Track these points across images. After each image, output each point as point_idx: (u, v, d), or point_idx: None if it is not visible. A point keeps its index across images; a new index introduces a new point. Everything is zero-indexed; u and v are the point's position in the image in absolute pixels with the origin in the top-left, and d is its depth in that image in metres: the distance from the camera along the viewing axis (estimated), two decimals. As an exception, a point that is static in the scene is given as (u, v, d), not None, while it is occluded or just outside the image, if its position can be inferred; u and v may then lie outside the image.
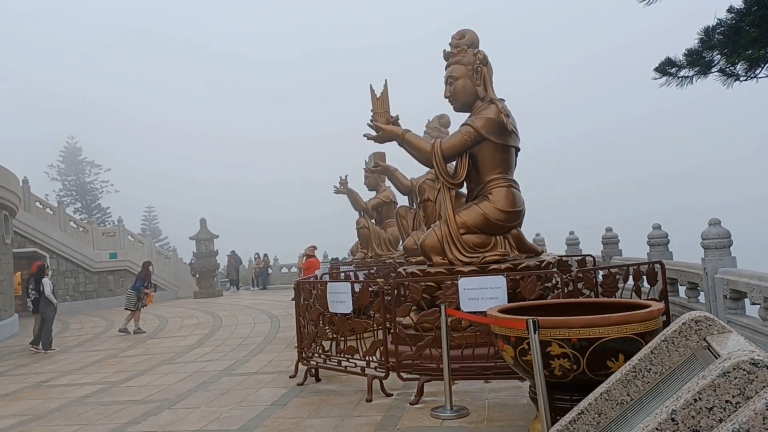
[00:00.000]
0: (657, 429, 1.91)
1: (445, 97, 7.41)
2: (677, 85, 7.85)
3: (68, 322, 17.29)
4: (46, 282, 12.09)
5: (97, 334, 14.34)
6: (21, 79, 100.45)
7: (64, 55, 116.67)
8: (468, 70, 7.16)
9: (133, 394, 7.29)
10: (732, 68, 7.33)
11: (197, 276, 26.48)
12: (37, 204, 23.61)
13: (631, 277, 6.68)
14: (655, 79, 7.88)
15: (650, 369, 2.65)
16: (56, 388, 8.15)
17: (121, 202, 52.84)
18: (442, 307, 5.49)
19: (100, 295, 23.49)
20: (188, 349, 10.72)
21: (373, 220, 14.38)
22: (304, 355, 7.22)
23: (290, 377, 7.31)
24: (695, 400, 1.93)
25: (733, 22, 7.37)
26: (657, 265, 6.60)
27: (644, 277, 6.94)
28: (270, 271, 30.17)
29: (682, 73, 7.88)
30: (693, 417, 1.94)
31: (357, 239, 14.75)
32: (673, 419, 1.94)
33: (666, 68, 7.87)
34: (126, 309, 14.21)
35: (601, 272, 6.99)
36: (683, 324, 2.64)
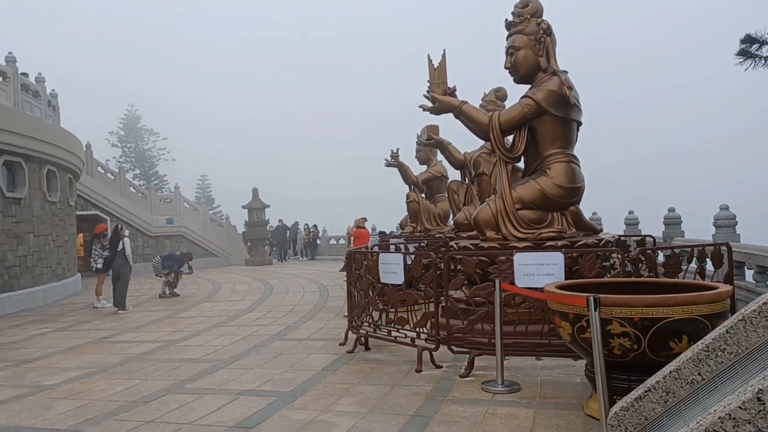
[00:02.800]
0: (741, 407, 1.82)
1: (506, 68, 7.20)
2: (764, 65, 7.07)
3: (127, 284, 18.00)
4: (127, 242, 12.60)
5: (154, 295, 14.89)
6: (82, 65, 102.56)
7: (122, 41, 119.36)
8: (530, 40, 6.91)
9: (189, 353, 7.54)
10: None
11: (249, 244, 27.07)
12: (99, 169, 24.51)
13: (695, 259, 6.44)
14: (738, 64, 7.12)
15: (725, 349, 2.54)
16: (117, 344, 8.51)
17: (176, 170, 54.32)
18: (497, 281, 5.42)
19: (157, 259, 24.31)
20: (241, 314, 11.01)
21: (423, 194, 14.29)
22: (354, 323, 7.29)
23: (340, 345, 7.41)
24: (782, 381, 1.83)
25: None
26: (723, 247, 6.32)
27: (708, 259, 6.67)
28: (318, 242, 30.59)
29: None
30: (780, 398, 1.84)
31: (406, 213, 14.71)
32: (759, 399, 1.84)
33: (747, 49, 7.10)
34: (157, 276, 15.11)
35: (662, 252, 6.76)
36: (764, 304, 2.51)
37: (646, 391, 2.67)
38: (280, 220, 30.25)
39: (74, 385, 6.16)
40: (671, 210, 11.97)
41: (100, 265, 12.93)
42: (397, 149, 14.69)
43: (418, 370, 5.92)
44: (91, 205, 22.49)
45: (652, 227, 12.53)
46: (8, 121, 13.12)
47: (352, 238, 17.37)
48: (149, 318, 11.05)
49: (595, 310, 3.75)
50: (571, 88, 6.62)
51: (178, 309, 12.15)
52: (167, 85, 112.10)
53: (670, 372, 2.66)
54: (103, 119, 57.80)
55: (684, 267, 6.55)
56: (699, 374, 2.58)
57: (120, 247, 12.44)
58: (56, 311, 12.85)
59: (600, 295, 3.82)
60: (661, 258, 7.50)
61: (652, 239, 8.75)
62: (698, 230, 11.11)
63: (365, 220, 16.77)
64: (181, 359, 7.16)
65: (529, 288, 5.44)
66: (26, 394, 5.88)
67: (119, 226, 13.39)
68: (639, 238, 8.90)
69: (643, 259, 6.31)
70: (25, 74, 16.54)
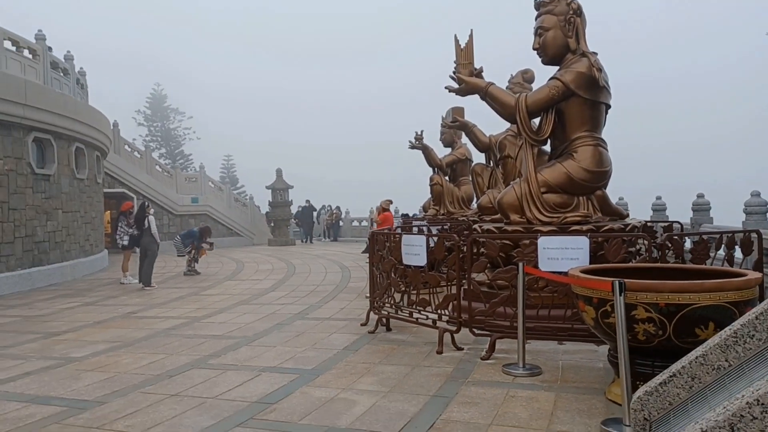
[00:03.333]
0: (770, 394, 1.79)
1: (534, 48, 7.07)
2: None
3: (152, 261, 18.29)
4: (152, 219, 12.80)
5: (179, 273, 15.11)
6: (109, 43, 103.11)
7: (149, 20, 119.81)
8: (560, 21, 6.77)
9: (213, 329, 7.66)
10: None
11: (272, 224, 27.28)
12: (126, 147, 24.84)
13: (723, 245, 6.31)
14: None
15: (754, 336, 2.49)
16: (143, 319, 8.67)
17: (201, 150, 54.79)
18: (520, 264, 5.38)
19: (182, 237, 24.65)
20: (264, 292, 11.13)
21: (446, 177, 14.20)
22: (376, 304, 7.32)
23: (361, 325, 7.46)
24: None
25: None
26: (753, 234, 6.18)
27: (737, 246, 6.52)
28: (341, 223, 30.69)
29: None
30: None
31: (430, 196, 14.65)
32: (789, 386, 1.80)
33: None
34: (180, 255, 15.30)
35: (689, 239, 6.64)
36: (796, 291, 2.45)
37: (671, 376, 2.64)
38: (308, 201, 30.32)
39: (101, 358, 6.30)
40: (700, 196, 11.75)
41: (125, 242, 13.16)
42: (422, 131, 14.58)
43: (439, 352, 5.94)
44: (118, 183, 22.84)
45: (680, 214, 12.32)
46: (38, 98, 13.33)
47: (374, 224, 17.34)
48: (174, 295, 11.23)
49: (620, 295, 3.71)
50: (600, 69, 6.49)
51: (203, 287, 12.33)
52: (193, 64, 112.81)
53: (696, 357, 2.62)
54: (129, 97, 58.53)
55: (712, 254, 6.42)
56: (726, 360, 2.53)
57: (146, 224, 12.62)
58: (84, 286, 13.13)
59: (626, 280, 3.77)
60: (688, 245, 7.37)
61: (679, 225, 8.60)
62: (728, 218, 10.89)
63: (390, 202, 16.71)
64: (205, 335, 7.28)
65: (553, 272, 5.40)
66: (54, 366, 6.04)
67: (145, 203, 13.57)
68: (666, 224, 8.75)
69: (669, 245, 6.20)
70: (50, 48, 16.66)
